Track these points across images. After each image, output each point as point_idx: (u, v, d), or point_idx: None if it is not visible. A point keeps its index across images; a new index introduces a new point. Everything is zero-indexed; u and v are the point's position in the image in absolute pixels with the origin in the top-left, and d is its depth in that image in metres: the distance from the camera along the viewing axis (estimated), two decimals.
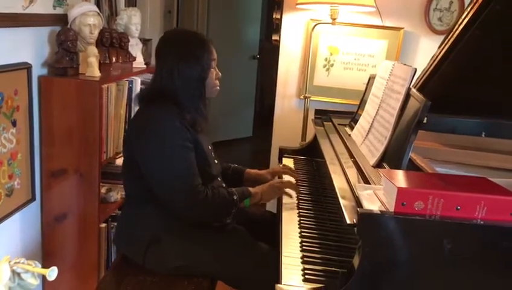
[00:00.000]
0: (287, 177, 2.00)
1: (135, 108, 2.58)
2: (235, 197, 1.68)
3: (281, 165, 2.14)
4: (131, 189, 1.77)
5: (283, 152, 2.40)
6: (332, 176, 1.51)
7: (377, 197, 1.13)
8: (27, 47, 1.92)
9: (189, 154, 1.63)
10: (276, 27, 2.90)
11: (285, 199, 1.80)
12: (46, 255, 2.17)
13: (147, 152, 1.62)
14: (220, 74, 1.78)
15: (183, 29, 1.75)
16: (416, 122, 1.31)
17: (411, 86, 1.51)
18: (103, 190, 2.29)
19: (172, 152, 1.60)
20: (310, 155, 2.33)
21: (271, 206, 2.09)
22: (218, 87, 1.79)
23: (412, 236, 1.01)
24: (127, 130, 1.89)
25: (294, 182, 1.94)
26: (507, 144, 1.84)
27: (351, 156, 1.66)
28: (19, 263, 1.23)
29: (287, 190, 1.82)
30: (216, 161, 1.83)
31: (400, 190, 1.00)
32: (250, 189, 1.77)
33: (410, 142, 1.31)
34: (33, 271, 1.23)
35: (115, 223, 2.32)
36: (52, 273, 1.21)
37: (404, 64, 1.62)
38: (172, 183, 1.60)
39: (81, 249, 2.15)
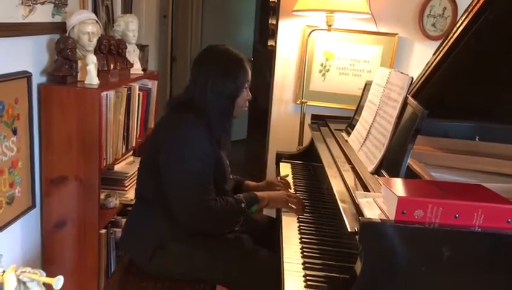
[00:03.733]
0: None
1: (150, 114, 2.61)
2: (243, 205, 1.69)
3: (279, 178, 2.11)
4: (146, 190, 1.77)
5: (280, 157, 2.42)
6: (331, 179, 1.54)
7: (376, 205, 1.16)
8: (27, 56, 1.93)
9: (207, 169, 1.64)
10: (271, 33, 2.92)
11: None
12: (46, 262, 2.17)
13: (171, 154, 1.63)
14: (250, 95, 1.81)
15: (224, 46, 1.77)
16: (414, 131, 1.34)
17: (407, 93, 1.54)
18: (102, 196, 2.30)
19: (192, 162, 1.61)
20: (307, 160, 2.36)
21: (269, 210, 2.12)
22: (246, 108, 1.82)
23: (412, 244, 1.04)
24: (153, 131, 1.87)
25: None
26: (501, 148, 1.87)
27: (349, 161, 1.69)
28: (25, 272, 1.24)
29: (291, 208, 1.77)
30: (231, 177, 1.86)
31: (400, 198, 1.03)
32: (258, 194, 1.77)
33: (408, 150, 1.34)
34: (39, 280, 1.25)
35: (115, 229, 2.34)
36: (58, 282, 1.23)
37: (401, 73, 1.65)
38: (183, 193, 1.61)
39: (81, 256, 2.16)
